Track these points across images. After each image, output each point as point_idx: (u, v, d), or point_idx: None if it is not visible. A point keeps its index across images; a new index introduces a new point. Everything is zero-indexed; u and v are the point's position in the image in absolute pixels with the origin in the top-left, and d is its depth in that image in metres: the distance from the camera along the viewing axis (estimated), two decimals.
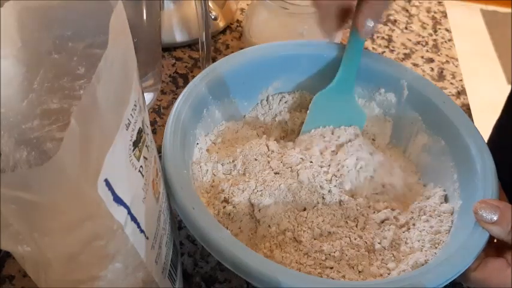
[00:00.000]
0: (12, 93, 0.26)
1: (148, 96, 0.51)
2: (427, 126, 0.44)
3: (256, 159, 0.41)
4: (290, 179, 0.40)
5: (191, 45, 0.59)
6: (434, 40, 0.66)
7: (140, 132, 0.25)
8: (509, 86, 0.60)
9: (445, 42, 0.66)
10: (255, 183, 0.39)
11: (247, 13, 0.56)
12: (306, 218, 0.39)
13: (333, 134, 0.45)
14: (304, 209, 0.40)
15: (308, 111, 0.46)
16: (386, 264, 0.37)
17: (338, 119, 0.46)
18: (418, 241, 0.37)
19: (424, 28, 0.68)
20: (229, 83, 0.44)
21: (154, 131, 0.50)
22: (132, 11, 0.43)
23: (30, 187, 0.19)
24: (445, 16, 0.71)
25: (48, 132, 0.26)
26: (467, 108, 0.57)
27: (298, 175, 0.40)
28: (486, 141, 0.40)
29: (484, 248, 0.33)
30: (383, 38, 0.65)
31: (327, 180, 0.41)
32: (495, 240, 0.35)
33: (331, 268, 0.36)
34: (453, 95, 0.59)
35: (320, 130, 0.45)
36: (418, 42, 0.65)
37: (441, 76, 0.61)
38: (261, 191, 0.39)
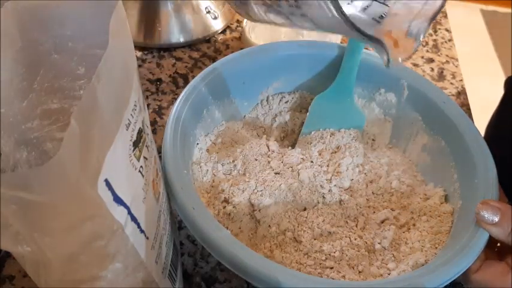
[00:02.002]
0: (12, 93, 0.26)
1: None
2: (427, 126, 0.44)
3: (256, 159, 0.41)
4: (291, 178, 0.40)
5: (191, 45, 0.59)
6: (435, 40, 0.66)
7: (140, 132, 0.25)
8: None
9: (445, 42, 0.66)
10: (255, 183, 0.39)
11: None
12: (306, 218, 0.39)
13: (331, 136, 0.45)
14: (305, 209, 0.40)
15: (308, 113, 0.46)
16: (387, 264, 0.37)
17: (337, 121, 0.46)
18: (418, 241, 0.37)
19: None
20: (229, 83, 0.44)
21: (154, 131, 0.50)
22: None
23: (31, 187, 0.19)
24: (445, 16, 0.71)
25: (48, 133, 0.26)
26: (467, 109, 0.57)
27: (298, 175, 0.40)
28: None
29: (484, 250, 0.33)
30: None
31: (327, 180, 0.41)
32: (498, 244, 0.35)
33: (331, 268, 0.36)
34: (453, 95, 0.59)
35: (320, 132, 0.45)
36: None
37: (441, 76, 0.61)
38: (261, 191, 0.39)
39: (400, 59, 0.31)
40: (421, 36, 0.31)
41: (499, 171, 0.38)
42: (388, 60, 0.31)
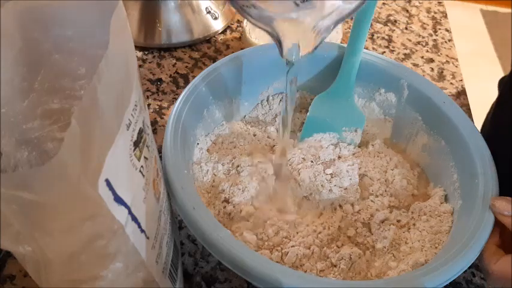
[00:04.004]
0: (13, 93, 0.26)
1: None
2: (427, 126, 0.44)
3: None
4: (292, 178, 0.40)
5: (191, 45, 0.59)
6: (434, 40, 0.66)
7: (141, 132, 0.25)
8: None
9: (445, 42, 0.66)
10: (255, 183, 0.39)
11: None
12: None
13: (331, 136, 0.45)
14: None
15: (308, 114, 0.46)
16: (387, 264, 0.37)
17: (338, 121, 0.46)
18: (418, 241, 0.37)
19: (424, 28, 0.68)
20: (230, 83, 0.44)
21: (154, 131, 0.50)
22: None
23: (31, 187, 0.19)
24: (445, 16, 0.71)
25: (49, 133, 0.26)
26: (467, 109, 0.57)
27: (299, 174, 0.40)
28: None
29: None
30: (383, 38, 0.65)
31: (327, 180, 0.41)
32: None
33: (331, 268, 0.36)
34: (453, 95, 0.59)
35: (320, 136, 0.45)
36: (418, 43, 0.65)
37: (441, 76, 0.61)
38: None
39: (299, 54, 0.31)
40: (326, 34, 0.31)
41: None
42: (282, 54, 0.31)
